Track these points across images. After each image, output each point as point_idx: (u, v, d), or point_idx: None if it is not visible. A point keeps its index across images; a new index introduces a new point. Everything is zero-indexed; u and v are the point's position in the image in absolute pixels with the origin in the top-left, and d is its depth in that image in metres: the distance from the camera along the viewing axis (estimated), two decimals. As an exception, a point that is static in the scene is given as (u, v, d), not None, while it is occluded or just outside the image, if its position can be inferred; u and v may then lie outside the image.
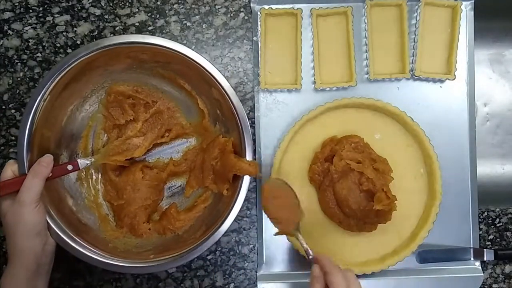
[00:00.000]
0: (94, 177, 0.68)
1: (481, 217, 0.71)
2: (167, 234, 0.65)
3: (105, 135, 0.68)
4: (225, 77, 0.60)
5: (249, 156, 0.60)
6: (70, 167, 0.60)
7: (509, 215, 0.72)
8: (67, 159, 0.65)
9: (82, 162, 0.61)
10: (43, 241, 0.56)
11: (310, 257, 0.55)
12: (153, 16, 0.69)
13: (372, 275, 0.65)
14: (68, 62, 0.58)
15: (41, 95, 0.57)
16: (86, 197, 0.66)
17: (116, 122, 0.66)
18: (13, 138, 0.68)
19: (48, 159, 0.58)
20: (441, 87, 0.70)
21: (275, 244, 0.68)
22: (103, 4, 0.69)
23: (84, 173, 0.67)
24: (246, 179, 0.60)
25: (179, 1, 0.70)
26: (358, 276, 0.65)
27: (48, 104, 0.59)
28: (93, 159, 0.63)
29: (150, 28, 0.69)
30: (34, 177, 0.55)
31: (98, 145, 0.68)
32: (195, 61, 0.59)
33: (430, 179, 0.67)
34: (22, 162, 0.57)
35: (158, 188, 0.68)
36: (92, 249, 0.59)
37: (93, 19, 0.69)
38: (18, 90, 0.68)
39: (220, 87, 0.60)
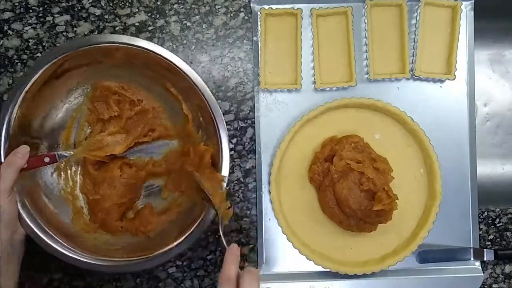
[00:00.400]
0: (73, 168, 0.67)
1: (481, 217, 0.71)
2: (139, 235, 0.65)
3: (89, 127, 0.67)
4: (206, 83, 0.60)
5: (225, 170, 0.59)
6: (47, 159, 0.59)
7: (509, 215, 0.72)
8: (47, 149, 0.64)
9: (60, 155, 0.60)
10: (12, 230, 0.56)
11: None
12: (153, 16, 0.69)
13: (372, 275, 0.66)
14: (48, 59, 0.58)
15: (23, 89, 0.58)
16: (63, 188, 0.65)
17: (100, 117, 0.66)
18: (13, 138, 0.68)
19: (24, 150, 0.57)
20: (441, 87, 0.70)
21: (275, 244, 0.68)
22: (103, 4, 0.69)
23: (64, 163, 0.66)
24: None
25: (179, 1, 0.70)
26: (358, 276, 0.66)
27: (30, 97, 0.58)
28: (71, 153, 0.62)
29: (150, 28, 0.69)
30: (7, 167, 0.55)
31: (81, 137, 0.67)
32: (175, 64, 0.59)
33: (430, 179, 0.67)
34: None
35: (135, 187, 0.67)
36: (62, 242, 0.59)
37: (93, 19, 0.69)
38: (18, 90, 0.68)
39: (201, 94, 0.59)
